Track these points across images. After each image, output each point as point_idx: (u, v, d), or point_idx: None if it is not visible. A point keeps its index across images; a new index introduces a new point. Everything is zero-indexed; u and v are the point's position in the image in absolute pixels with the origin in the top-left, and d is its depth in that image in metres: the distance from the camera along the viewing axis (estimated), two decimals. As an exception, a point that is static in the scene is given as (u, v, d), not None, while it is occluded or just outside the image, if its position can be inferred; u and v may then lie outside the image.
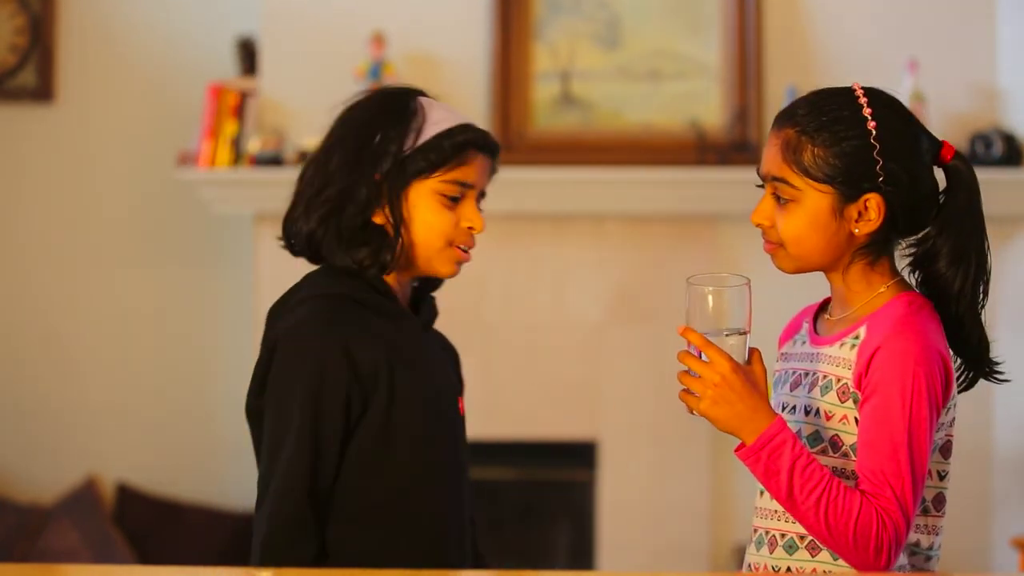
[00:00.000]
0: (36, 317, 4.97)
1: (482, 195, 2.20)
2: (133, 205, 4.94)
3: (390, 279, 2.15)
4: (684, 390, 1.96)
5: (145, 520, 4.86)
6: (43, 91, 4.94)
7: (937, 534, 2.03)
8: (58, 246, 4.96)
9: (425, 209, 2.13)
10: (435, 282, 2.25)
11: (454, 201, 2.14)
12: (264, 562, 2.02)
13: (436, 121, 2.14)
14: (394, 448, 2.06)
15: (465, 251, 2.17)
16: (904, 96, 4.36)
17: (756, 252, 2.11)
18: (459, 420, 2.19)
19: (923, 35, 4.63)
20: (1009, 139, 4.52)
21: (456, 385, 2.23)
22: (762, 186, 2.04)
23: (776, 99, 4.58)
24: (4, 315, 4.98)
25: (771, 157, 2.02)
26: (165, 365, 4.93)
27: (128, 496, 4.89)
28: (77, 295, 4.96)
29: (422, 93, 2.20)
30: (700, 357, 1.94)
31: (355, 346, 2.05)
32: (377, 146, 2.12)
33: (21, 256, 4.97)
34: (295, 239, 2.16)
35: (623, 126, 4.63)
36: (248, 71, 4.74)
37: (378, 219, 2.12)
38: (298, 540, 2.02)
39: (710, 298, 1.95)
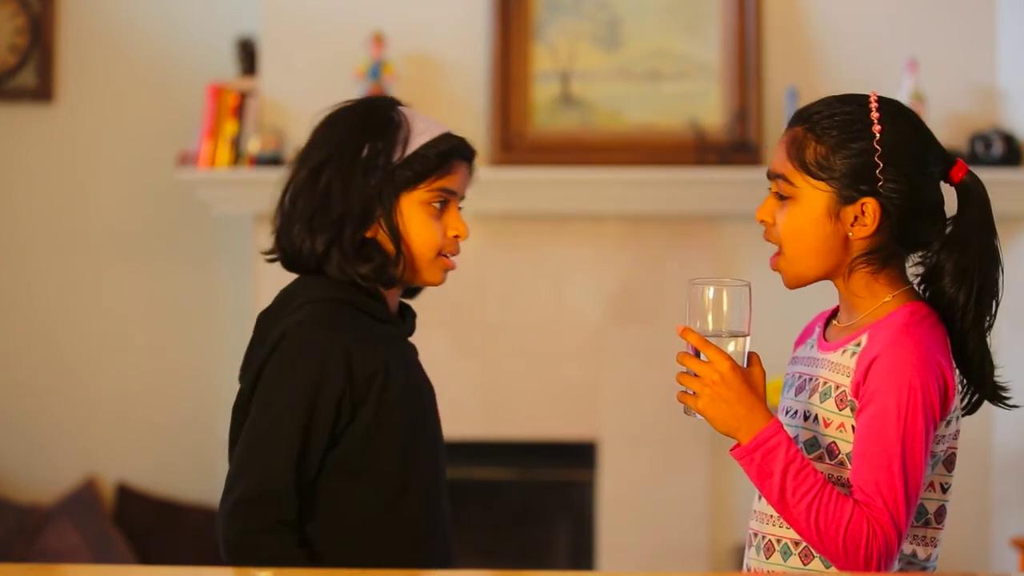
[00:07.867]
0: (36, 317, 4.97)
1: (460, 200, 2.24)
2: (133, 205, 4.94)
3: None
4: (683, 390, 1.97)
5: (145, 520, 4.86)
6: (43, 91, 4.94)
7: (935, 546, 2.02)
8: (58, 246, 4.96)
9: (415, 220, 2.16)
10: (411, 290, 2.29)
11: (439, 210, 2.18)
12: (242, 538, 2.00)
13: (420, 131, 2.17)
14: (378, 456, 2.09)
15: (450, 259, 2.21)
16: (904, 96, 4.37)
17: (756, 253, 2.12)
18: (438, 422, 2.24)
19: (923, 35, 4.63)
20: (1009, 139, 4.52)
21: (432, 388, 2.27)
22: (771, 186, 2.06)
23: (776, 99, 4.58)
24: (4, 315, 4.97)
25: (778, 154, 2.04)
26: (165, 365, 4.93)
27: (128, 496, 4.89)
28: (77, 295, 4.96)
29: (400, 103, 2.24)
30: (699, 357, 1.94)
31: (355, 352, 2.07)
32: (366, 160, 2.14)
33: (21, 256, 4.97)
34: (293, 256, 2.18)
35: (623, 126, 4.62)
36: (248, 71, 4.74)
37: (372, 233, 2.15)
38: (281, 528, 2.02)
39: (711, 299, 1.95)
